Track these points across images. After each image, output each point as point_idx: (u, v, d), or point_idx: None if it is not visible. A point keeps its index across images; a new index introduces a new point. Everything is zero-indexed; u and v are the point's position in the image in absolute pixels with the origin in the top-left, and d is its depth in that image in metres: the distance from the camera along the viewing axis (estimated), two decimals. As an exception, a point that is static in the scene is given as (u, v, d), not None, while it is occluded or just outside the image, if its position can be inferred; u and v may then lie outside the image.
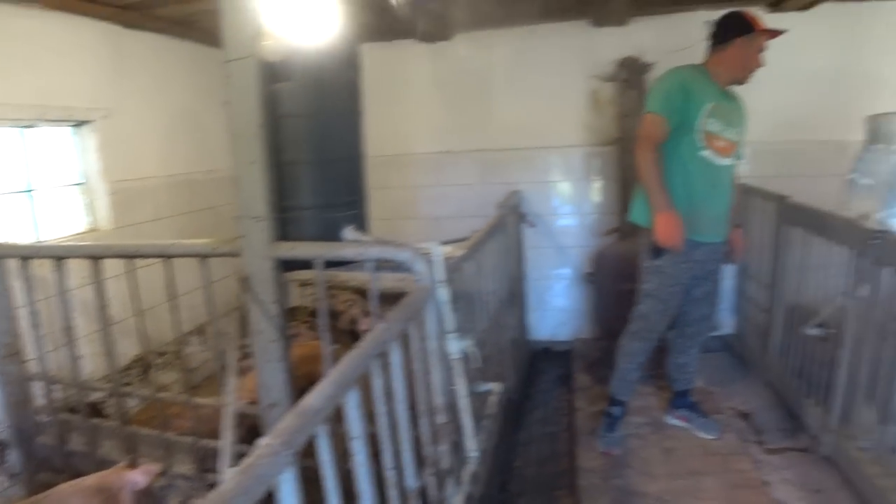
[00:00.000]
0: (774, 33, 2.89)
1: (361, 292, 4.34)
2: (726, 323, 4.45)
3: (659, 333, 3.17)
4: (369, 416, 1.47)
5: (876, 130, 2.57)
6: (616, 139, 4.41)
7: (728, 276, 4.35)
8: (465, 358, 2.03)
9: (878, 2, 4.22)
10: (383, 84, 4.71)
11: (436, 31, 4.40)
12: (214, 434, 2.44)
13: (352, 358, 1.29)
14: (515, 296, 4.22)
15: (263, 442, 1.01)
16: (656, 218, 2.80)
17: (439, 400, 1.94)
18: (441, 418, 1.95)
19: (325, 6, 2.14)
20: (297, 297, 4.84)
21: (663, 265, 2.96)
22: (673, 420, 3.43)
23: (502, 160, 4.67)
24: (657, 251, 2.91)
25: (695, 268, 3.03)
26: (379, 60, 4.68)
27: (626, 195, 4.13)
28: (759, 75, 2.93)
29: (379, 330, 1.43)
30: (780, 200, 3.54)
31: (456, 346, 1.95)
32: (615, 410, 3.31)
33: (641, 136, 2.81)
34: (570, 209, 4.66)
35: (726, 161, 2.94)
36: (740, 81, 2.99)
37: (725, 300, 4.43)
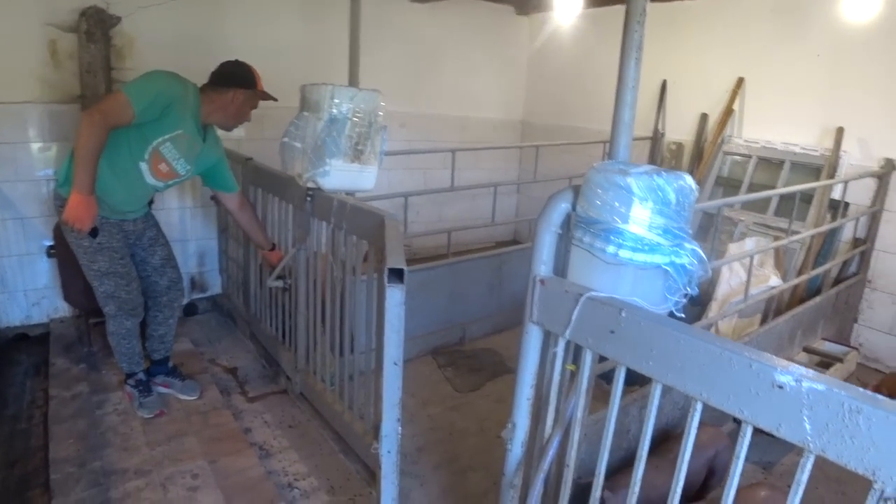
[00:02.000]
0: (268, 97, 3.01)
1: None
2: (214, 283, 4.52)
3: (139, 303, 3.06)
4: None
5: (305, 99, 2.84)
6: (78, 97, 4.00)
7: (212, 236, 4.41)
8: None
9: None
10: None
11: None
12: None
13: None
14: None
15: None
16: (73, 196, 2.55)
17: None
18: None
19: None
20: None
21: (104, 241, 2.84)
22: (154, 389, 3.34)
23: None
24: (93, 230, 2.72)
25: (132, 237, 3.02)
26: None
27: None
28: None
29: None
30: (244, 162, 3.70)
31: None
32: (140, 376, 3.23)
33: (101, 109, 2.53)
34: (32, 175, 4.05)
35: (157, 183, 2.92)
36: (225, 128, 3.03)
37: (212, 261, 4.50)
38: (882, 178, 4.43)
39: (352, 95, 2.74)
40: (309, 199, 2.85)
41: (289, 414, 3.27)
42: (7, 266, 4.09)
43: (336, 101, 2.71)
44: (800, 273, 4.28)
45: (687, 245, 1.73)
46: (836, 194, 4.52)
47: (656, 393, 1.51)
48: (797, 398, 1.25)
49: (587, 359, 1.68)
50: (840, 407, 1.20)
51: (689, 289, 1.76)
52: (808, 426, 1.26)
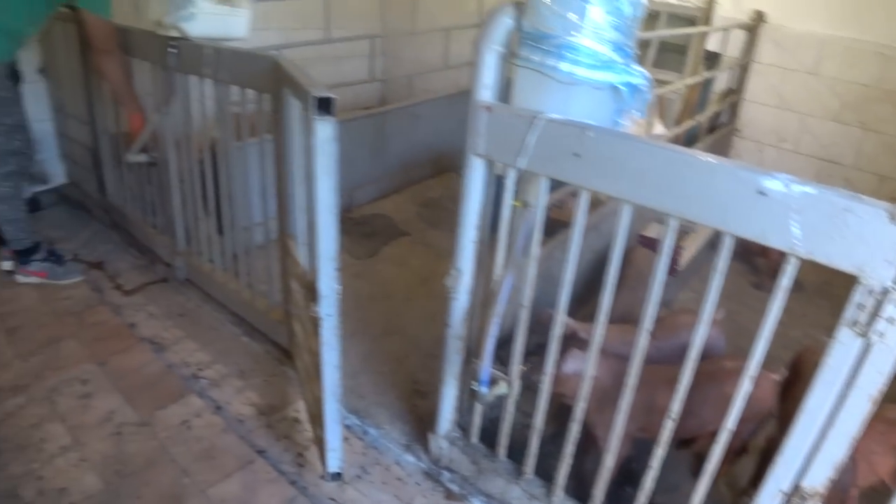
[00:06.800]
0: None
1: None
2: (57, 173, 3.90)
3: (30, 168, 2.98)
4: None
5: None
6: None
7: (45, 117, 3.75)
8: None
9: None
10: None
11: None
12: None
13: None
14: None
15: None
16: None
17: None
18: None
19: None
20: None
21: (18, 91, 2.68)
22: (27, 278, 2.97)
23: None
24: (15, 74, 2.60)
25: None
26: None
27: None
28: None
29: None
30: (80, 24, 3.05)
31: None
32: (39, 249, 2.97)
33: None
34: None
35: None
36: None
37: (49, 147, 3.84)
38: (752, 29, 4.55)
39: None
40: (173, 50, 2.40)
41: (175, 303, 2.94)
42: None
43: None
44: (678, 122, 4.36)
45: (634, 66, 1.59)
46: (711, 46, 4.59)
47: (626, 215, 1.40)
48: (785, 203, 1.18)
49: (543, 187, 1.53)
50: (831, 207, 1.14)
51: (638, 113, 1.64)
52: (796, 230, 1.19)
